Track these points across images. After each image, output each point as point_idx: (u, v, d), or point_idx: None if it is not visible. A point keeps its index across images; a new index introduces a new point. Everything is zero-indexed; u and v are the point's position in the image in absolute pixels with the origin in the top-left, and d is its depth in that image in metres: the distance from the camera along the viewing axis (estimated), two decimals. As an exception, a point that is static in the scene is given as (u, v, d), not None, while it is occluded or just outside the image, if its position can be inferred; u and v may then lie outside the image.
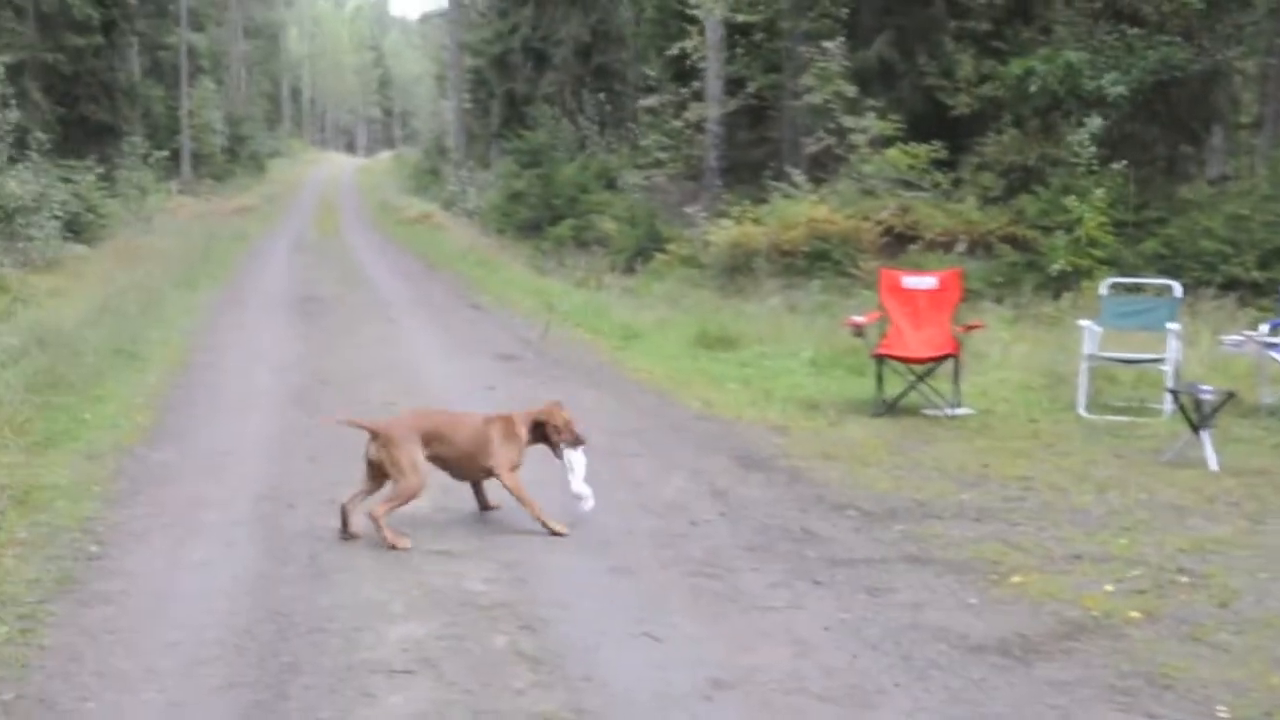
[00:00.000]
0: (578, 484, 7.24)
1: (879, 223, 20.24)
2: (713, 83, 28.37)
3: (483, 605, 5.87)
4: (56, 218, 25.89)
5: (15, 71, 31.56)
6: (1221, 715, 4.65)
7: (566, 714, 4.71)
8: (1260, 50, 20.46)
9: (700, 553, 6.76)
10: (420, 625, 5.60)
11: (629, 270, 24.55)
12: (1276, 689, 4.85)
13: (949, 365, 11.04)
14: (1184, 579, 6.24)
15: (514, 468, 7.33)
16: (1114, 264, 16.52)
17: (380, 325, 17.02)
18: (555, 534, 7.10)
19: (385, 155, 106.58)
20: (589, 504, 7.26)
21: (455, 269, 26.48)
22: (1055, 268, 16.90)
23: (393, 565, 6.48)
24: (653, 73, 33.07)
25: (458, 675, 5.03)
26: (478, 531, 7.16)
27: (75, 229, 27.61)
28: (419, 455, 7.12)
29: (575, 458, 7.32)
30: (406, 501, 7.07)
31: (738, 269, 20.59)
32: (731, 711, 4.75)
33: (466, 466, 7.39)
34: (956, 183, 21.17)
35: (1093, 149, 17.87)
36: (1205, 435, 8.90)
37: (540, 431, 7.42)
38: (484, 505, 7.60)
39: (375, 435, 7.13)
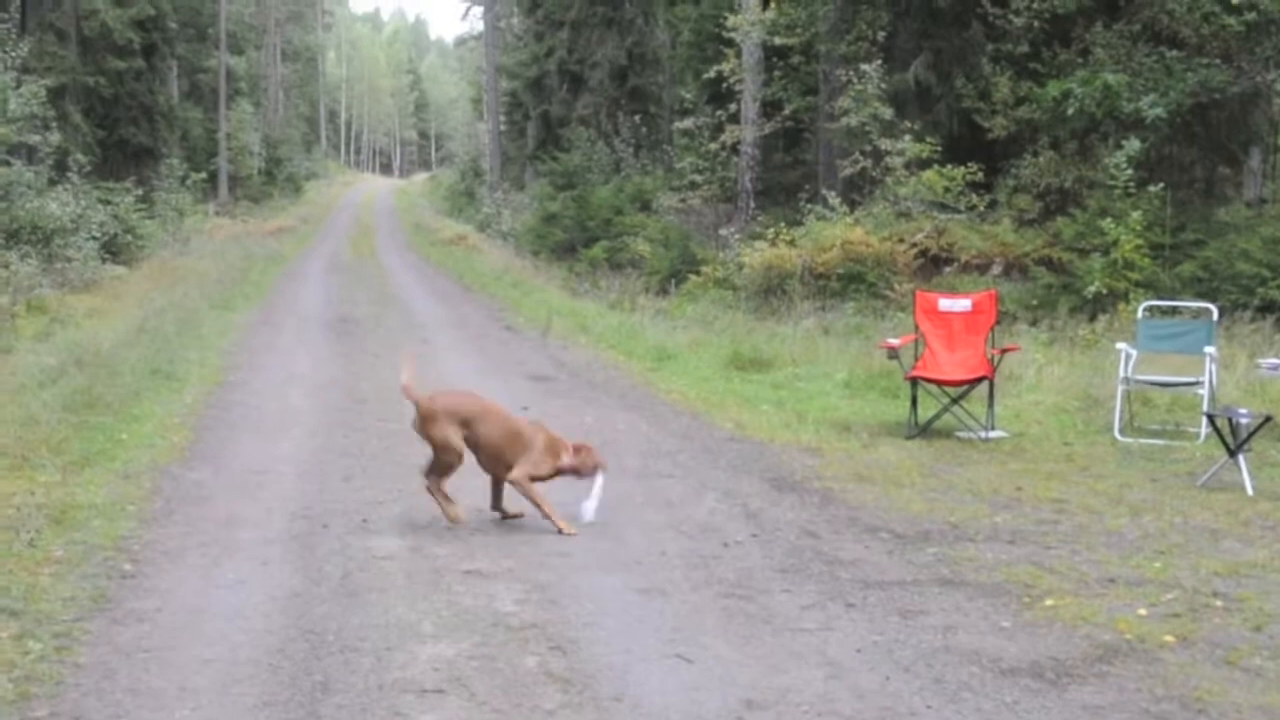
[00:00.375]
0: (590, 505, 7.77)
1: (914, 245, 20.24)
2: (749, 105, 28.41)
3: (514, 626, 5.87)
4: (95, 239, 26.21)
5: (56, 94, 32.00)
6: (1256, 740, 4.62)
7: (597, 734, 4.71)
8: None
9: (732, 574, 6.75)
10: (451, 645, 5.60)
11: (663, 292, 24.59)
12: (1312, 714, 4.81)
13: (983, 388, 11.01)
14: (1218, 603, 6.19)
15: (534, 477, 7.73)
16: (1151, 287, 16.44)
17: (415, 346, 17.04)
18: (563, 532, 7.53)
19: (421, 177, 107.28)
20: (586, 518, 7.75)
21: (490, 291, 26.57)
22: (1091, 290, 16.81)
23: (424, 585, 6.50)
24: (689, 95, 33.13)
25: (489, 695, 5.03)
26: (509, 552, 7.16)
27: (113, 250, 27.90)
28: (451, 433, 7.68)
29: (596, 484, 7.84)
30: (445, 474, 7.75)
31: (771, 291, 20.59)
32: (762, 733, 4.75)
33: (493, 459, 7.83)
34: (992, 205, 21.14)
35: (1130, 171, 17.78)
36: (1241, 459, 8.85)
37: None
38: (496, 506, 7.96)
39: (417, 408, 7.78)
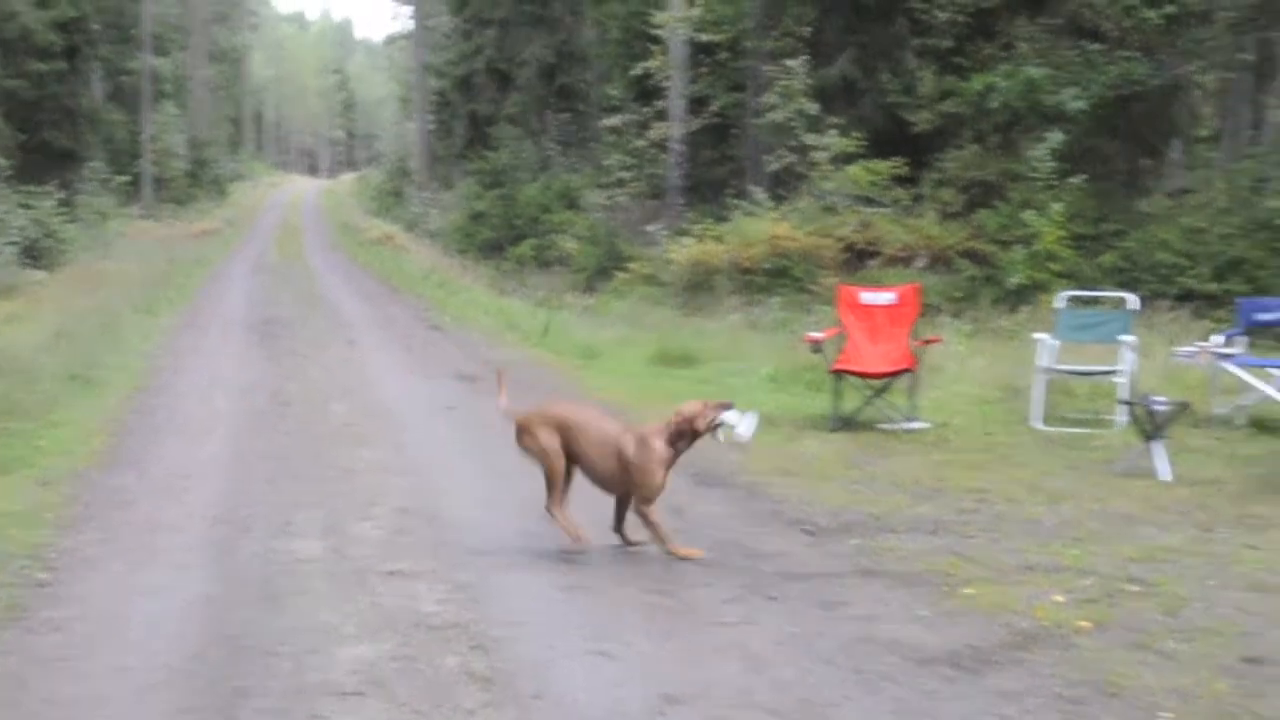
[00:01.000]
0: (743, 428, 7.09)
1: (840, 239, 20.36)
2: (676, 102, 28.48)
3: (435, 625, 5.84)
4: (14, 244, 25.89)
5: (-25, 98, 31.54)
6: (1167, 722, 4.68)
7: (517, 732, 4.70)
8: (1219, 65, 20.63)
9: (655, 569, 6.76)
10: (372, 647, 5.56)
11: (590, 290, 24.63)
12: (1221, 695, 4.88)
13: (907, 379, 11.08)
14: (1134, 588, 6.26)
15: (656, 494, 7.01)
16: (1072, 277, 16.63)
17: (341, 347, 16.99)
18: (687, 558, 6.91)
19: (348, 177, 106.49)
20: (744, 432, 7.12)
21: (416, 290, 26.49)
22: (1013, 282, 16.99)
23: (345, 587, 6.45)
24: (616, 92, 33.15)
25: (409, 696, 5.00)
26: (432, 552, 7.12)
27: (34, 254, 27.61)
28: (551, 440, 7.05)
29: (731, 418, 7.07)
30: (553, 484, 7.07)
31: (699, 287, 20.68)
32: (682, 727, 4.75)
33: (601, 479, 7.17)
34: (917, 199, 21.30)
35: (1052, 164, 17.96)
36: (1158, 446, 8.96)
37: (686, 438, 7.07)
38: (618, 529, 7.26)
39: (516, 424, 7.21)
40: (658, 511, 6.97)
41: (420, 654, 5.48)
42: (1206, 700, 4.83)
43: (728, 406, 7.06)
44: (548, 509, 7.10)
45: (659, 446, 6.94)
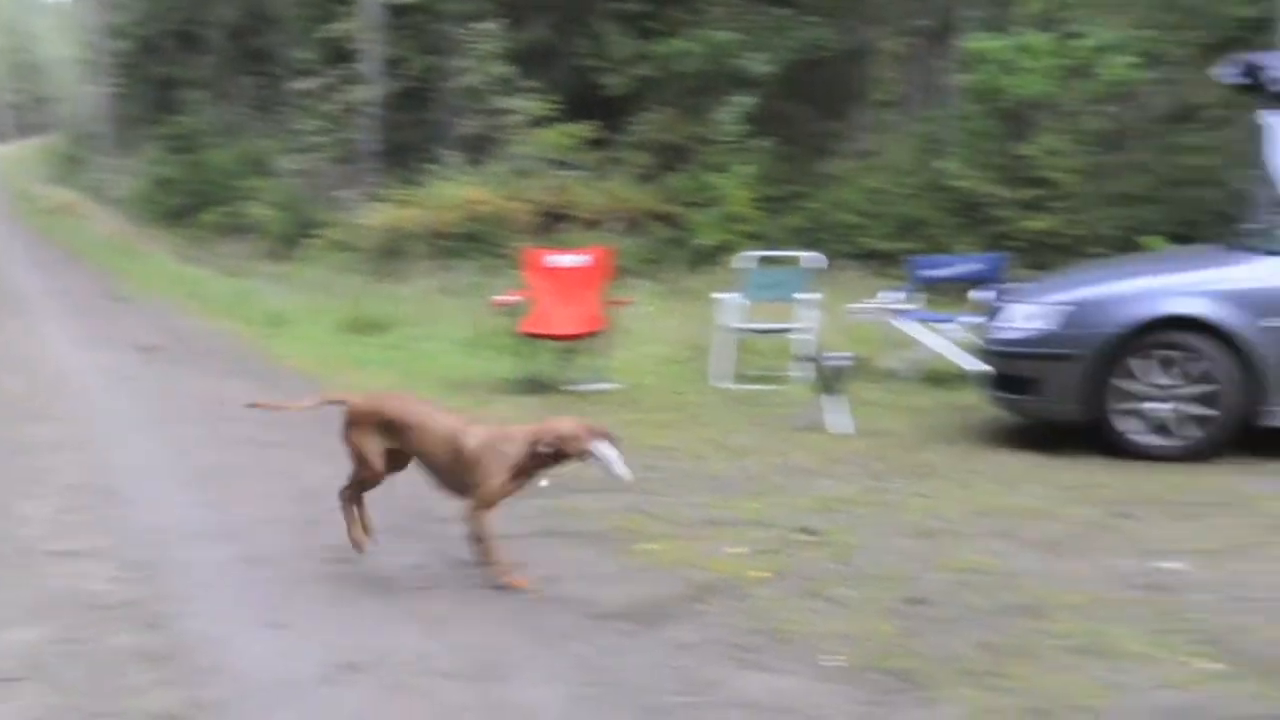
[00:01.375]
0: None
1: (534, 203, 20.41)
2: (371, 65, 28.04)
3: (105, 605, 5.62)
4: None
5: None
6: (835, 664, 4.80)
7: (186, 709, 4.52)
8: (901, 30, 21.37)
9: (338, 538, 6.61)
10: (35, 630, 5.31)
11: (281, 257, 24.15)
12: (887, 636, 5.06)
13: (597, 341, 11.17)
14: (809, 538, 6.45)
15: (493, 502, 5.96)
16: (760, 238, 17.00)
17: (12, 318, 16.29)
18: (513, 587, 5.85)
19: (24, 142, 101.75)
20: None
21: (97, 259, 25.68)
22: (702, 243, 17.29)
23: (11, 569, 6.16)
24: (310, 55, 32.43)
25: (73, 679, 4.79)
26: (107, 529, 6.88)
27: None
28: (378, 444, 6.20)
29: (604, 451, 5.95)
30: (363, 485, 6.31)
31: (392, 252, 20.52)
32: (358, 694, 4.66)
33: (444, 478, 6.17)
34: (611, 162, 21.47)
35: (740, 127, 18.31)
36: (836, 400, 9.24)
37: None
38: None
39: (348, 415, 6.29)
40: (491, 524, 5.91)
41: (88, 635, 5.26)
42: (872, 641, 5.00)
43: (606, 436, 5.99)
44: (342, 496, 6.37)
45: (510, 450, 5.86)
